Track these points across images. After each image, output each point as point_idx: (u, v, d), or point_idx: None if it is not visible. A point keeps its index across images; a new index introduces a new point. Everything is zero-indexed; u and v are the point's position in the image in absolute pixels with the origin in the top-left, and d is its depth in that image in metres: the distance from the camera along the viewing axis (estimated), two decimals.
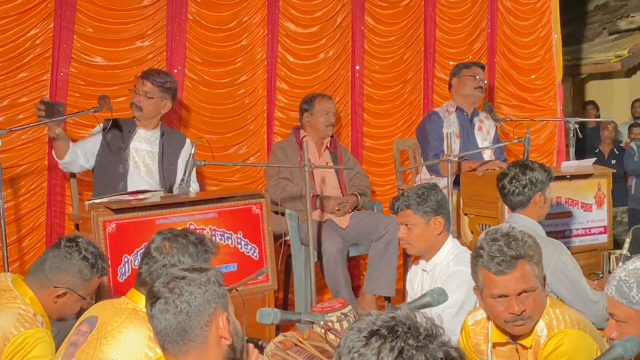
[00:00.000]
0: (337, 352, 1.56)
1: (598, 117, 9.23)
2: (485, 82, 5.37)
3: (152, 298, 2.06)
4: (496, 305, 2.55)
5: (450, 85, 5.40)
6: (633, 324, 2.09)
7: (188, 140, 4.59)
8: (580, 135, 5.16)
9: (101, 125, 4.39)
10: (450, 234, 3.58)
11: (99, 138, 4.42)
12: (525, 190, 3.69)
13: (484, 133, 5.36)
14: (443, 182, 4.85)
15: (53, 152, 4.40)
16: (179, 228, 2.78)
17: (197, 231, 3.04)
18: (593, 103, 9.76)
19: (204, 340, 2.02)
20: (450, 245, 3.49)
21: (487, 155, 5.26)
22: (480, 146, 5.23)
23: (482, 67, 5.46)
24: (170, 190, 4.44)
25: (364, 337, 1.51)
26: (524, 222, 3.59)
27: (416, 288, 3.58)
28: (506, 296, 2.51)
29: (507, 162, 5.28)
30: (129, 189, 4.30)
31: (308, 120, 5.05)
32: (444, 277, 3.34)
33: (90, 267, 2.81)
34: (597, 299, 3.46)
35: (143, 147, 4.46)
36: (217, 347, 2.04)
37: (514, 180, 3.71)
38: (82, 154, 4.37)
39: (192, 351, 2.01)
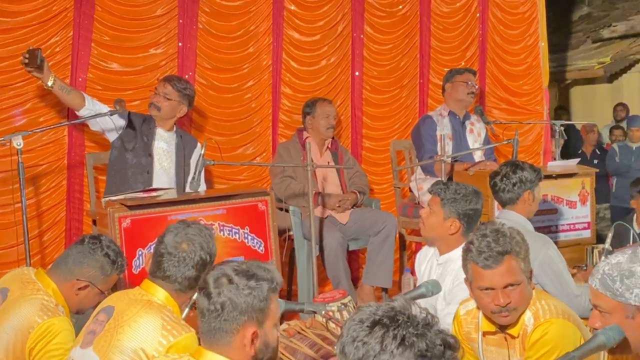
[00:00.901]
0: (340, 342, 1.56)
1: (569, 120, 9.22)
2: (477, 87, 5.36)
3: (201, 285, 2.06)
4: (483, 297, 2.56)
5: (443, 90, 5.39)
6: (616, 314, 2.08)
7: (199, 144, 4.60)
8: (565, 137, 5.16)
9: (122, 113, 4.29)
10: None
11: (119, 121, 4.34)
12: (515, 188, 3.69)
13: (475, 135, 5.35)
14: None
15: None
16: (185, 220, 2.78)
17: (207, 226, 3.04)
18: (563, 108, 9.74)
19: (227, 343, 2.01)
20: None
21: (478, 155, 5.26)
22: (471, 147, 5.22)
23: (474, 73, 5.46)
24: (183, 188, 4.44)
25: (367, 326, 1.51)
26: (514, 218, 3.58)
27: (423, 270, 3.54)
28: (492, 289, 2.52)
29: (497, 162, 5.28)
30: (153, 181, 4.32)
31: (310, 123, 5.06)
32: (452, 283, 3.28)
33: (111, 263, 2.84)
34: (579, 292, 3.46)
35: (161, 145, 4.46)
36: (240, 352, 2.02)
37: (504, 178, 3.71)
38: (100, 119, 4.30)
39: (216, 347, 2.02)
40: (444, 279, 3.28)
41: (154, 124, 4.45)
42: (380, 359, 1.47)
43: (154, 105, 4.42)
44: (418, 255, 3.69)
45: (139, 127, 4.40)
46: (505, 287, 2.51)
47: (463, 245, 3.35)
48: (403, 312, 1.52)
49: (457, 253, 3.35)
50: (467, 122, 5.34)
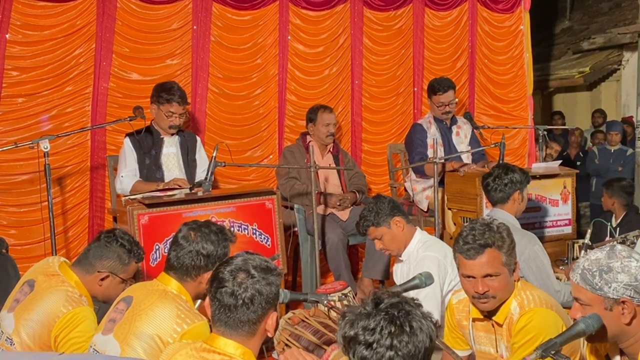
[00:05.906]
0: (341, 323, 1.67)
1: (564, 124, 9.22)
2: (453, 105, 5.14)
3: (218, 283, 2.02)
4: (466, 284, 2.59)
5: None
6: (595, 306, 2.08)
7: (198, 137, 4.61)
8: (547, 140, 5.13)
9: (128, 138, 4.30)
10: (418, 227, 3.59)
11: (132, 152, 4.32)
12: (506, 188, 3.70)
13: (462, 137, 5.29)
14: (429, 182, 4.85)
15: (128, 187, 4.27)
16: (203, 220, 2.77)
17: (218, 223, 3.04)
18: (559, 113, 9.75)
19: (252, 332, 2.02)
20: (419, 236, 3.52)
21: (466, 156, 5.20)
22: (459, 150, 5.18)
23: (452, 87, 5.17)
24: (191, 180, 4.38)
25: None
26: (503, 216, 3.58)
27: (399, 275, 3.63)
28: (473, 277, 2.54)
29: (486, 159, 5.24)
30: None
31: (312, 130, 5.04)
32: (415, 263, 3.36)
33: (127, 252, 2.83)
34: (559, 288, 3.46)
35: (169, 150, 4.44)
36: (260, 338, 2.04)
37: (497, 179, 3.72)
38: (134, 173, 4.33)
39: (238, 337, 2.01)
40: (409, 271, 3.36)
41: (159, 135, 4.40)
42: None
43: (173, 127, 4.37)
44: (394, 267, 3.74)
45: (144, 149, 4.34)
46: (485, 276, 2.52)
47: (416, 232, 3.49)
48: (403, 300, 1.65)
49: (412, 245, 3.49)
50: (453, 127, 5.28)
